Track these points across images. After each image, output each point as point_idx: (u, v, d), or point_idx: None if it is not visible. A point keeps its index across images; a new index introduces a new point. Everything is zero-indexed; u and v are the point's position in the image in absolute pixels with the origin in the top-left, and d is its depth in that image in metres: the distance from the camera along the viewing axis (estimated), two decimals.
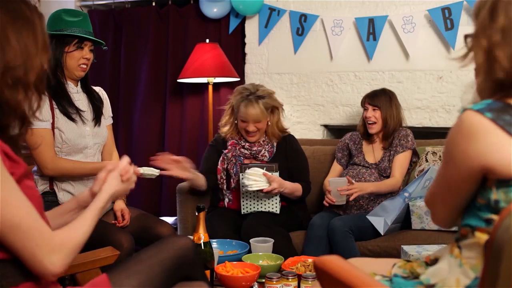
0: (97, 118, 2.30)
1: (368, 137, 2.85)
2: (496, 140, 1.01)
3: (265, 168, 2.55)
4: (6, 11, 1.16)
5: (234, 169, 2.68)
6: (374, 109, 2.77)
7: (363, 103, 2.86)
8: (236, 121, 2.72)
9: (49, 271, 1.13)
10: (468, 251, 1.09)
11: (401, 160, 2.73)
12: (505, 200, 1.02)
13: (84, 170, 2.19)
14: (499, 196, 1.03)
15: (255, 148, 2.70)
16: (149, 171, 2.07)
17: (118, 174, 1.44)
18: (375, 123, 2.77)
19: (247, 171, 2.49)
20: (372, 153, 2.82)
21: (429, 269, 1.18)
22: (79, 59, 2.21)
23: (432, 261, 1.22)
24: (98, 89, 2.41)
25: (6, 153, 1.12)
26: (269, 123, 2.69)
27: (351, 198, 2.54)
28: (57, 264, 1.13)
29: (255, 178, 2.47)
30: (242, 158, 2.71)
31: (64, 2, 3.87)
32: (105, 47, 2.38)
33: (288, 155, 2.73)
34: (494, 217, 1.04)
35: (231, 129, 2.75)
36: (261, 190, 2.49)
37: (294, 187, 2.62)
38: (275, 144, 2.74)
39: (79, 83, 2.30)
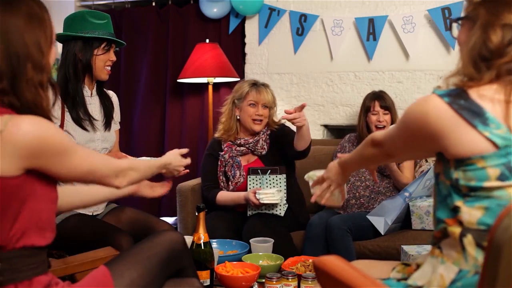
0: (107, 123, 2.30)
1: None
2: (449, 122, 1.10)
3: (269, 172, 2.63)
4: (22, 15, 1.22)
5: (232, 172, 2.69)
6: (385, 113, 2.74)
7: (371, 107, 2.78)
8: (237, 117, 2.73)
9: (116, 187, 1.45)
10: (448, 249, 1.14)
11: (409, 162, 2.71)
12: (463, 178, 1.10)
13: None
14: (459, 175, 1.11)
15: (251, 140, 2.71)
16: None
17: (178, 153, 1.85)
18: (384, 127, 2.71)
19: (260, 191, 2.52)
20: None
21: (414, 273, 1.20)
22: (106, 62, 2.23)
23: (415, 269, 1.23)
24: (111, 93, 2.42)
25: None
26: (270, 112, 2.78)
27: None
28: (121, 184, 1.44)
29: (266, 192, 2.51)
30: (239, 159, 2.71)
31: (64, 2, 3.87)
32: (117, 48, 2.40)
33: (279, 138, 2.74)
34: (459, 203, 1.10)
35: (230, 129, 2.75)
36: (271, 205, 2.57)
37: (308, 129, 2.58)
38: (269, 133, 2.77)
39: (94, 87, 2.30)
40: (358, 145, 2.80)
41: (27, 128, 1.16)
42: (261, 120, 2.70)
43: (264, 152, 2.72)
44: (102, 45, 2.20)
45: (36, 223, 1.23)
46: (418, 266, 1.22)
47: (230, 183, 2.70)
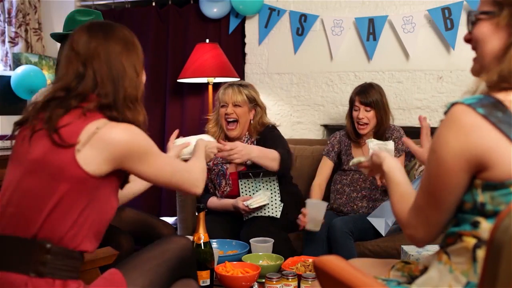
0: None
1: (357, 138, 2.71)
2: (490, 138, 0.97)
3: (262, 174, 2.54)
4: (119, 41, 1.39)
5: (218, 180, 2.63)
6: (366, 110, 2.62)
7: (352, 102, 2.69)
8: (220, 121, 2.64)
9: (196, 194, 1.63)
10: (457, 257, 1.07)
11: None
12: (491, 203, 1.00)
13: None
14: (486, 199, 1.00)
15: None
16: None
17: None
18: (367, 124, 2.64)
19: (247, 200, 2.49)
20: (362, 154, 2.69)
21: (419, 278, 1.16)
22: None
23: (421, 271, 1.20)
24: None
25: None
26: (252, 121, 2.62)
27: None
28: (198, 190, 1.62)
29: (254, 199, 2.50)
30: (225, 166, 2.63)
31: (64, 2, 3.87)
32: None
33: (265, 144, 2.54)
34: (480, 219, 1.02)
35: (213, 133, 2.65)
36: (262, 206, 2.52)
37: (263, 151, 2.40)
38: (255, 142, 2.61)
39: None
40: (349, 146, 2.71)
41: (121, 132, 1.31)
42: (234, 122, 2.58)
43: (249, 162, 2.51)
44: None
45: (92, 229, 1.31)
46: (424, 268, 1.19)
47: (217, 191, 2.65)
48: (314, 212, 2.28)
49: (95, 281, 1.35)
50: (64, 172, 1.25)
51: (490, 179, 0.99)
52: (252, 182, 2.58)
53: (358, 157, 1.62)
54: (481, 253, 1.01)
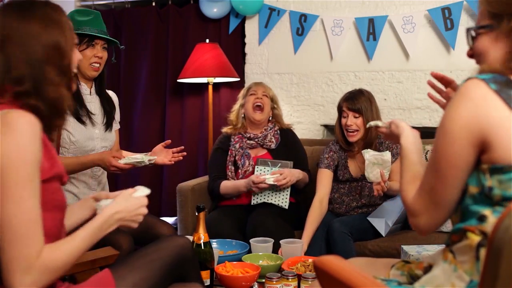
0: (108, 123, 2.29)
1: (349, 147, 2.63)
2: (498, 113, 0.98)
3: (279, 165, 2.68)
4: (37, 20, 1.22)
5: (242, 160, 2.77)
6: (355, 116, 2.54)
7: (340, 108, 2.62)
8: (243, 114, 2.86)
9: (13, 285, 1.07)
10: (461, 255, 1.08)
11: (398, 168, 2.60)
12: (499, 187, 1.00)
13: (79, 165, 2.11)
14: (493, 183, 1.01)
15: (260, 134, 2.82)
16: (133, 160, 2.09)
17: (131, 196, 1.40)
18: (357, 130, 2.55)
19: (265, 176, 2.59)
20: (357, 164, 2.64)
21: (423, 277, 1.16)
22: (90, 58, 2.19)
23: (426, 269, 1.20)
24: (111, 93, 2.41)
25: (48, 152, 1.18)
26: (274, 112, 2.89)
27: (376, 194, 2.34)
28: (24, 281, 1.07)
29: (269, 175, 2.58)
30: (248, 150, 2.79)
31: (64, 2, 3.86)
32: (122, 46, 2.38)
33: (290, 146, 2.86)
34: (487, 212, 1.02)
35: (237, 123, 2.87)
36: (275, 185, 2.58)
37: (304, 174, 2.73)
38: (278, 132, 2.87)
39: (93, 85, 2.29)
40: (345, 157, 2.66)
41: (5, 120, 1.10)
42: (260, 108, 2.79)
43: (273, 146, 2.81)
44: (83, 41, 2.17)
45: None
46: (429, 266, 1.19)
47: (239, 171, 2.76)
48: (289, 254, 2.24)
49: (85, 280, 1.33)
50: None
51: (495, 162, 1.00)
52: (268, 171, 2.68)
53: (375, 121, 1.64)
54: (484, 252, 1.01)
